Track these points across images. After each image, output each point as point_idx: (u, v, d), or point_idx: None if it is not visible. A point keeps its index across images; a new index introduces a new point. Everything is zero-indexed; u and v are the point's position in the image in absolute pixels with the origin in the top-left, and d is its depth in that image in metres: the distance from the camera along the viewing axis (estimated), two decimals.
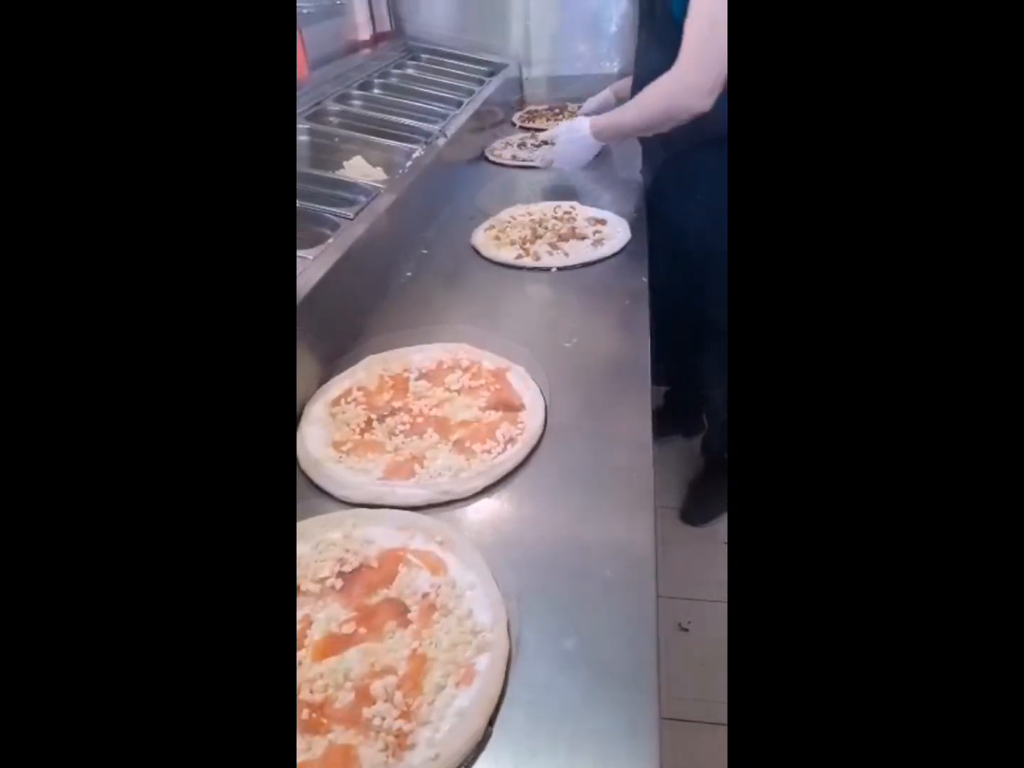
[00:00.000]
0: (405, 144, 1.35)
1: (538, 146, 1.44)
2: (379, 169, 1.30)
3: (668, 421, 1.90)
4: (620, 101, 1.53)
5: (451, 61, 2.05)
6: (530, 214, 1.28)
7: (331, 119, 1.45)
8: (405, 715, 0.45)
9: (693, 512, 1.66)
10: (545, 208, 1.30)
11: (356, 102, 1.57)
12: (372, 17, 2.00)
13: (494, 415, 0.73)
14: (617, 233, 1.18)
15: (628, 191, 1.43)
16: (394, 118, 1.49)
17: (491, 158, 1.63)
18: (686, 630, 1.42)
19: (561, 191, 1.43)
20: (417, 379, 0.79)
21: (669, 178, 1.31)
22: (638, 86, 1.26)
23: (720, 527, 1.65)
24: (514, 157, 1.60)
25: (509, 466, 0.67)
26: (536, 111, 1.99)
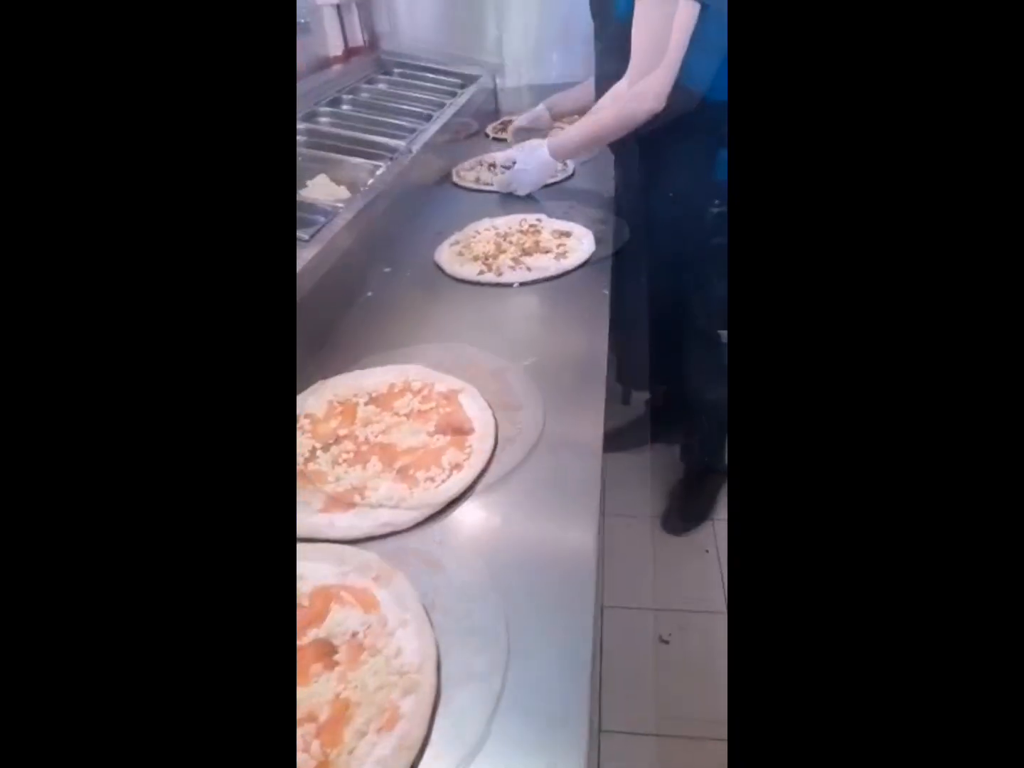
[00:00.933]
0: (370, 161, 1.34)
1: (508, 167, 1.43)
2: (343, 188, 1.29)
3: (657, 429, 1.89)
4: (555, 114, 1.54)
5: (425, 74, 2.05)
6: (496, 228, 1.27)
7: (297, 137, 1.44)
8: (323, 766, 0.43)
9: (673, 521, 1.65)
10: (511, 221, 1.29)
11: (323, 119, 1.57)
12: (344, 32, 1.99)
13: (442, 440, 0.72)
14: (581, 245, 1.17)
15: (595, 202, 1.42)
16: (361, 135, 1.49)
17: (456, 181, 1.58)
18: (666, 642, 1.40)
19: (528, 205, 1.42)
20: (366, 404, 0.78)
21: (642, 177, 1.31)
22: (600, 94, 1.26)
23: (701, 536, 1.64)
24: (478, 180, 1.55)
25: (453, 493, 0.66)
26: (509, 121, 1.99)
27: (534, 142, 1.36)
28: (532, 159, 1.35)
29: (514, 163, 1.38)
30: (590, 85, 1.41)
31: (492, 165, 1.60)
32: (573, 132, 1.28)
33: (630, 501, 1.76)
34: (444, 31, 2.12)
